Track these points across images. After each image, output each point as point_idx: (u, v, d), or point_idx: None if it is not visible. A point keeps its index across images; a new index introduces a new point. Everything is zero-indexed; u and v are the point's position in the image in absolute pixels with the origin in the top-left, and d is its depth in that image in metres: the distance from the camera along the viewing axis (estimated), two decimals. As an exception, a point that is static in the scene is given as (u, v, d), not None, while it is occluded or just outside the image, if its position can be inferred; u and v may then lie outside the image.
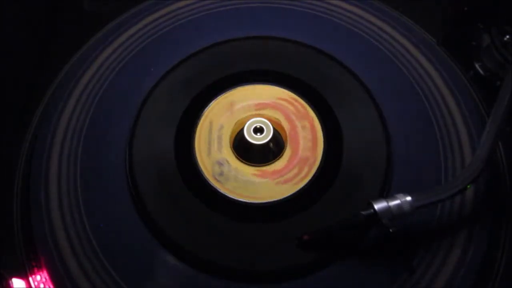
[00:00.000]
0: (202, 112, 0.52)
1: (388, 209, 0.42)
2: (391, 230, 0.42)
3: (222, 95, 0.53)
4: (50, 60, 0.58)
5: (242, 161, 0.50)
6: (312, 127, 0.52)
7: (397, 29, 0.58)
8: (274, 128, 0.50)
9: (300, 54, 0.55)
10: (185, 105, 0.52)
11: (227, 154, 0.50)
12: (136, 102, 0.53)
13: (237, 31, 0.57)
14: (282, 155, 0.51)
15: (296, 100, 0.53)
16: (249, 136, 0.50)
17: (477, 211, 0.48)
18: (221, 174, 0.49)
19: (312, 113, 0.52)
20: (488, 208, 0.49)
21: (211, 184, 0.49)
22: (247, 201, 0.48)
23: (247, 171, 0.50)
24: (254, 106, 0.53)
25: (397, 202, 0.42)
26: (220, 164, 0.49)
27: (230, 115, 0.52)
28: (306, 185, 0.48)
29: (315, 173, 0.49)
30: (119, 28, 0.58)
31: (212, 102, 0.52)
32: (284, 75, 0.54)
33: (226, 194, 0.48)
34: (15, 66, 0.58)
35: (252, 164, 0.50)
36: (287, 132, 0.51)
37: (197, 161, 0.50)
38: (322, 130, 0.51)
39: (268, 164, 0.50)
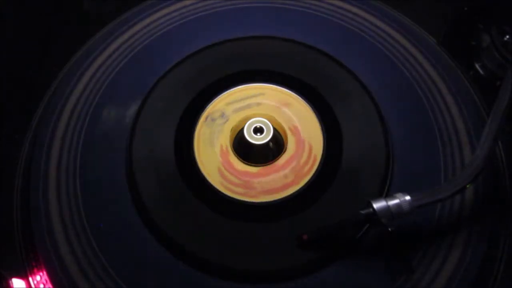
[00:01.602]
0: (202, 112, 0.52)
1: (387, 209, 0.42)
2: (390, 230, 0.42)
3: (215, 99, 0.53)
4: (50, 60, 0.58)
5: (244, 161, 0.50)
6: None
7: (397, 29, 0.58)
8: (274, 128, 0.50)
9: (300, 54, 0.55)
10: (185, 105, 0.52)
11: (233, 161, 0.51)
12: (136, 102, 0.53)
13: (237, 31, 0.57)
14: (285, 149, 0.51)
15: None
16: (249, 136, 0.50)
17: (477, 211, 0.48)
18: (213, 119, 0.49)
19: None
20: (488, 208, 0.48)
21: (211, 184, 0.49)
22: (247, 200, 0.48)
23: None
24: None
25: (396, 201, 0.42)
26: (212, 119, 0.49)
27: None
28: (317, 169, 0.49)
29: (321, 161, 0.49)
30: (119, 28, 0.58)
31: (202, 115, 0.52)
32: (284, 75, 0.54)
33: (226, 194, 0.48)
34: (15, 66, 0.58)
35: (254, 164, 0.50)
36: (285, 126, 0.52)
37: (197, 161, 0.50)
38: (321, 130, 0.51)
39: (270, 164, 0.50)
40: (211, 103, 0.53)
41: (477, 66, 0.57)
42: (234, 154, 0.51)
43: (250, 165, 0.50)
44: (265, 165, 0.50)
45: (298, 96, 0.53)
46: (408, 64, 0.55)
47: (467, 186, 0.43)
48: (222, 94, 0.53)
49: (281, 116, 0.52)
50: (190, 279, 0.45)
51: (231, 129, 0.52)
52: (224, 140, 0.51)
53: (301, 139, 0.51)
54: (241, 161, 0.50)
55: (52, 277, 0.46)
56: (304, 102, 0.53)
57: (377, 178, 0.48)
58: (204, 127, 0.52)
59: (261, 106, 0.53)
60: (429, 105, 0.53)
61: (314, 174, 0.49)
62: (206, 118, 0.51)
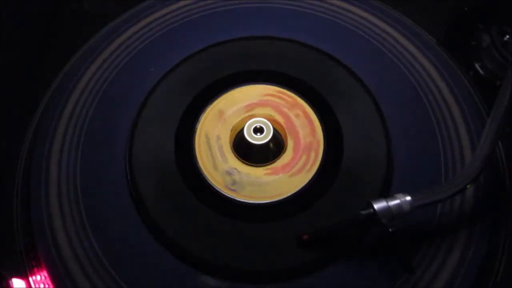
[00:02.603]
0: (203, 112, 0.52)
1: (387, 209, 0.42)
2: (390, 230, 0.42)
3: (210, 105, 0.53)
4: (50, 60, 0.58)
5: (250, 165, 0.50)
6: (305, 113, 0.52)
7: (397, 29, 0.58)
8: (274, 128, 0.50)
9: (300, 54, 0.55)
10: (185, 105, 0.52)
11: (234, 163, 0.50)
12: (136, 102, 0.53)
13: (237, 31, 0.57)
14: (285, 148, 0.51)
15: (282, 93, 0.53)
16: (249, 137, 0.50)
17: (477, 211, 0.48)
18: (234, 183, 0.49)
19: (301, 101, 0.52)
20: (488, 208, 0.48)
21: (212, 184, 0.49)
22: (248, 201, 0.48)
23: (259, 173, 0.50)
24: (243, 109, 0.53)
25: (396, 201, 0.42)
26: (229, 173, 0.49)
27: (223, 123, 0.52)
28: (318, 170, 0.49)
29: (321, 161, 0.49)
30: (119, 28, 0.58)
31: (202, 115, 0.52)
32: (285, 75, 0.54)
33: (226, 194, 0.48)
34: (15, 66, 0.58)
35: (260, 165, 0.50)
36: (284, 125, 0.52)
37: (198, 161, 0.50)
38: (322, 130, 0.51)
39: (276, 161, 0.50)
40: (211, 103, 0.53)
41: (477, 66, 0.57)
42: (234, 154, 0.51)
43: (250, 165, 0.50)
44: (265, 165, 0.50)
45: (298, 96, 0.53)
46: (408, 64, 0.55)
47: (467, 186, 0.43)
48: (223, 94, 0.53)
49: (281, 116, 0.52)
50: (190, 279, 0.45)
51: (231, 129, 0.52)
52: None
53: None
54: (241, 161, 0.50)
55: (52, 277, 0.46)
56: (304, 102, 0.53)
57: (377, 178, 0.48)
58: (204, 126, 0.52)
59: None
60: (429, 105, 0.53)
61: (314, 174, 0.49)
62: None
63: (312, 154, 0.50)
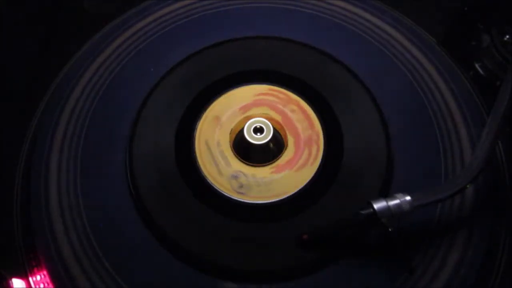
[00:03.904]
0: (202, 112, 0.52)
1: (387, 209, 0.42)
2: (390, 230, 0.42)
3: (216, 100, 0.53)
4: (50, 60, 0.58)
5: (255, 165, 0.50)
6: (301, 108, 0.52)
7: (397, 29, 0.58)
8: (274, 128, 0.50)
9: (300, 54, 0.55)
10: (186, 104, 0.52)
11: (238, 166, 0.50)
12: (136, 102, 0.53)
13: (237, 31, 0.57)
14: (287, 145, 0.51)
15: (275, 90, 0.53)
16: (249, 137, 0.50)
17: (477, 211, 0.48)
18: (241, 186, 0.49)
19: (295, 96, 0.53)
20: (488, 208, 0.48)
21: (212, 184, 0.49)
22: (248, 201, 0.48)
23: (264, 172, 0.50)
24: (239, 111, 0.53)
25: (396, 201, 0.42)
26: (235, 177, 0.49)
27: (221, 128, 0.52)
28: (322, 161, 0.49)
29: (323, 152, 0.49)
30: (119, 28, 0.58)
31: (199, 121, 0.52)
32: (285, 75, 0.54)
33: (226, 194, 0.48)
34: (15, 66, 0.58)
35: (265, 164, 0.50)
36: (281, 122, 0.52)
37: (197, 160, 0.50)
38: (319, 122, 0.51)
39: (280, 158, 0.50)
40: (211, 103, 0.53)
41: (477, 66, 0.57)
42: (234, 154, 0.51)
43: (250, 165, 0.50)
44: (265, 165, 0.50)
45: (298, 96, 0.53)
46: (408, 64, 0.55)
47: (467, 186, 0.43)
48: (223, 94, 0.53)
49: (277, 113, 0.52)
50: (190, 279, 0.45)
51: (231, 129, 0.52)
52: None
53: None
54: (241, 161, 0.50)
55: (52, 277, 0.46)
56: (304, 102, 0.53)
57: (377, 178, 0.48)
58: (204, 125, 0.52)
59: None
60: (429, 105, 0.53)
61: (314, 174, 0.49)
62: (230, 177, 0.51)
63: (314, 147, 0.50)
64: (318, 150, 0.50)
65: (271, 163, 0.50)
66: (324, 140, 0.51)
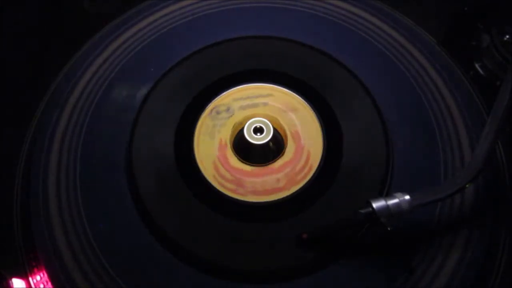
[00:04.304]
0: (202, 112, 0.52)
1: (386, 208, 0.42)
2: (389, 229, 0.42)
3: (216, 99, 0.53)
4: (50, 60, 0.58)
5: (253, 165, 0.50)
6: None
7: (397, 29, 0.58)
8: (274, 128, 0.50)
9: (300, 54, 0.55)
10: (185, 105, 0.52)
11: (237, 164, 0.50)
12: (136, 102, 0.53)
13: (237, 31, 0.57)
14: (286, 146, 0.51)
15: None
16: (249, 137, 0.50)
17: (477, 211, 0.48)
18: (218, 112, 0.49)
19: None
20: (488, 208, 0.48)
21: (212, 184, 0.49)
22: (247, 200, 0.48)
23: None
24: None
25: (395, 201, 0.42)
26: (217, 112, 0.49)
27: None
28: (320, 164, 0.49)
29: (322, 154, 0.50)
30: (119, 28, 0.58)
31: (205, 110, 0.52)
32: (284, 75, 0.54)
33: (226, 194, 0.48)
34: (15, 66, 0.58)
35: (263, 164, 0.50)
36: (282, 123, 0.52)
37: (197, 160, 0.50)
38: (320, 126, 0.51)
39: (278, 159, 0.50)
40: (210, 103, 0.53)
41: (477, 66, 0.57)
42: (234, 154, 0.51)
43: (250, 165, 0.50)
44: (265, 165, 0.50)
45: (298, 96, 0.53)
46: (409, 64, 0.55)
47: (467, 185, 0.43)
48: (222, 94, 0.53)
49: (279, 114, 0.52)
50: (190, 279, 0.45)
51: (233, 126, 0.52)
52: (225, 140, 0.51)
53: (301, 138, 0.51)
54: (241, 161, 0.50)
55: (52, 277, 0.46)
56: (304, 102, 0.53)
57: (377, 177, 0.48)
58: (207, 120, 0.51)
59: (262, 106, 0.53)
60: (429, 105, 0.53)
61: (314, 174, 0.49)
62: (211, 110, 0.51)
63: (314, 147, 0.50)
64: (317, 150, 0.50)
65: (269, 164, 0.50)
66: (324, 140, 0.50)
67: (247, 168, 0.50)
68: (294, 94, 0.53)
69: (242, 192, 0.48)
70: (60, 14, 0.61)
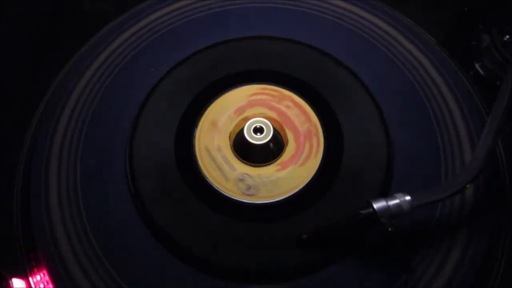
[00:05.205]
0: (202, 112, 0.52)
1: (387, 209, 0.42)
2: (389, 229, 0.42)
3: (216, 99, 0.53)
4: (50, 60, 0.58)
5: (260, 165, 0.50)
6: (295, 103, 0.52)
7: (397, 29, 0.58)
8: (274, 128, 0.50)
9: (300, 54, 0.55)
10: (186, 105, 0.52)
11: (243, 168, 0.50)
12: (136, 102, 0.53)
13: (237, 31, 0.57)
14: (287, 141, 0.51)
15: (267, 89, 0.53)
16: (249, 137, 0.50)
17: (477, 211, 0.48)
18: (249, 188, 0.49)
19: (288, 92, 0.53)
20: (488, 208, 0.48)
21: (212, 183, 0.49)
22: (247, 200, 0.48)
23: (270, 171, 0.50)
24: (234, 113, 0.53)
25: (396, 201, 0.42)
26: (241, 180, 0.49)
27: (219, 133, 0.52)
28: (321, 163, 0.49)
29: (324, 144, 0.50)
30: (119, 28, 0.58)
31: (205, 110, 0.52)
32: (285, 75, 0.54)
33: (226, 194, 0.48)
34: (15, 66, 0.58)
35: (269, 163, 0.50)
36: (278, 119, 0.52)
37: (198, 161, 0.50)
38: (322, 130, 0.51)
39: (283, 155, 0.50)
40: (211, 103, 0.53)
41: (477, 66, 0.57)
42: (234, 154, 0.51)
43: (250, 165, 0.50)
44: (265, 165, 0.50)
45: (298, 96, 0.53)
46: (409, 64, 0.55)
47: (467, 186, 0.43)
48: (223, 94, 0.53)
49: (281, 116, 0.52)
50: (190, 279, 0.45)
51: (232, 129, 0.52)
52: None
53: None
54: (241, 161, 0.50)
55: (53, 277, 0.46)
56: (305, 102, 0.53)
57: (377, 178, 0.48)
58: (201, 140, 0.52)
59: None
60: (429, 105, 0.53)
61: (314, 174, 0.49)
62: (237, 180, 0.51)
63: (314, 149, 0.50)
64: (318, 150, 0.50)
65: (275, 161, 0.50)
66: (324, 140, 0.50)
67: (247, 167, 0.50)
68: (294, 95, 0.53)
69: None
70: (60, 14, 0.61)
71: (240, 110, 0.52)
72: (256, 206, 0.48)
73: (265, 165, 0.50)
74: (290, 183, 0.49)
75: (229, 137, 0.51)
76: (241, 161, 0.50)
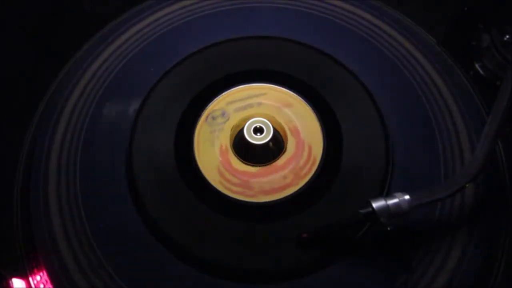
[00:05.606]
0: (202, 112, 0.52)
1: (386, 208, 0.42)
2: (388, 229, 0.42)
3: (216, 99, 0.53)
4: (50, 60, 0.58)
5: (257, 165, 0.50)
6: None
7: (397, 29, 0.58)
8: (274, 128, 0.50)
9: (300, 54, 0.55)
10: (185, 105, 0.52)
11: (239, 166, 0.50)
12: (136, 102, 0.53)
13: (237, 31, 0.57)
14: (287, 143, 0.51)
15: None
16: (249, 137, 0.50)
17: (477, 211, 0.48)
18: (214, 118, 0.49)
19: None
20: (488, 208, 0.48)
21: (211, 184, 0.49)
22: (247, 200, 0.48)
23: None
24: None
25: (395, 201, 0.42)
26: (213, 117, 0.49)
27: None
28: (321, 163, 0.49)
29: (323, 147, 0.50)
30: (119, 28, 0.58)
31: (205, 109, 0.52)
32: (285, 75, 0.54)
33: (226, 194, 0.48)
34: (15, 66, 0.58)
35: (267, 163, 0.50)
36: (280, 120, 0.52)
37: (197, 161, 0.50)
38: (322, 130, 0.51)
39: (281, 156, 0.50)
40: (211, 103, 0.53)
41: (477, 66, 0.57)
42: (234, 154, 0.51)
43: (250, 165, 0.50)
44: (265, 165, 0.50)
45: (298, 97, 0.53)
46: (408, 64, 0.55)
47: (467, 185, 0.43)
48: (222, 94, 0.53)
49: (281, 116, 0.52)
50: (190, 279, 0.45)
51: (231, 129, 0.52)
52: (224, 139, 0.51)
53: (301, 139, 0.51)
54: (241, 161, 0.50)
55: (52, 277, 0.46)
56: (305, 102, 0.53)
57: (377, 177, 0.48)
58: (204, 126, 0.52)
59: (262, 106, 0.53)
60: (429, 105, 0.53)
61: (314, 175, 0.49)
62: (207, 117, 0.51)
63: (314, 147, 0.50)
64: (317, 150, 0.50)
65: (273, 162, 0.50)
66: (324, 140, 0.50)
67: (247, 168, 0.50)
68: (294, 95, 0.53)
69: (241, 191, 0.48)
70: (60, 14, 0.61)
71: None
72: (256, 206, 0.48)
73: (265, 165, 0.50)
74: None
75: (230, 132, 0.51)
76: (241, 161, 0.50)
